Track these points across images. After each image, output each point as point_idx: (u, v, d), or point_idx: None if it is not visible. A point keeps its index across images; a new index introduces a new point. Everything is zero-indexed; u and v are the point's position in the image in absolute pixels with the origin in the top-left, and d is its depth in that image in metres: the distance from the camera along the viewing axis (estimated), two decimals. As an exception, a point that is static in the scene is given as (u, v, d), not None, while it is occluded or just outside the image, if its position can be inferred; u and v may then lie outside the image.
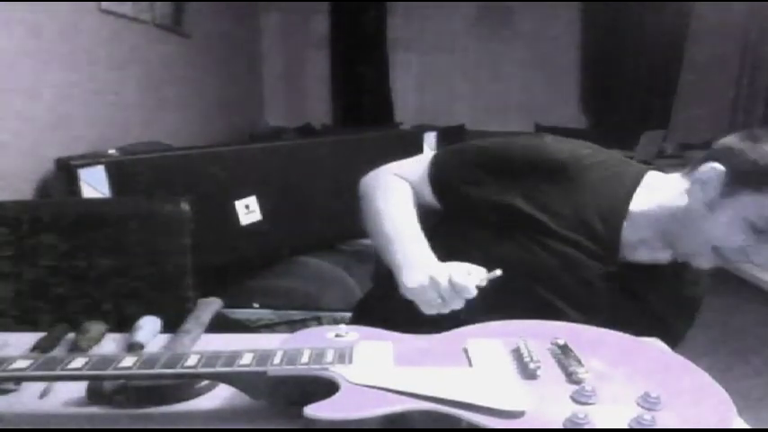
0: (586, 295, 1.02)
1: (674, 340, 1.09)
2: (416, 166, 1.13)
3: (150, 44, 2.99)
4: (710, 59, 4.80)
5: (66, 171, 1.94)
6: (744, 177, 0.91)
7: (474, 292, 0.88)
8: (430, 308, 0.91)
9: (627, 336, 0.87)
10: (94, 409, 0.77)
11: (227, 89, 4.16)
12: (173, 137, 2.96)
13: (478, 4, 5.04)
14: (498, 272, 0.90)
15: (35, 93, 2.07)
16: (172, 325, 1.02)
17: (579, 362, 0.73)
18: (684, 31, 4.88)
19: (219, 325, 1.10)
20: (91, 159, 2.00)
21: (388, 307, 1.03)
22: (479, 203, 1.05)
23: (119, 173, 2.00)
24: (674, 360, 0.81)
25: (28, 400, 0.79)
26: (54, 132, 2.16)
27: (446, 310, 0.90)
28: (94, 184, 1.95)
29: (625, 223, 1.02)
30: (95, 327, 0.99)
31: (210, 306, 1.12)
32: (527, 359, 0.73)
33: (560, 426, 0.62)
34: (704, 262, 0.97)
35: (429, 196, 1.12)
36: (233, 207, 2.28)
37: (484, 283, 0.90)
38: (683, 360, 0.80)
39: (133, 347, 0.94)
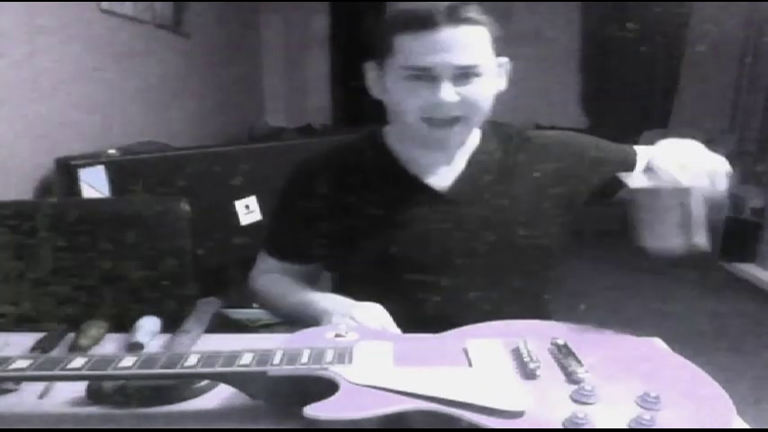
0: (462, 238, 1.05)
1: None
2: (267, 260, 1.18)
3: (150, 44, 2.99)
4: (710, 59, 4.80)
5: (67, 171, 1.94)
6: (378, 54, 1.03)
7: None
8: None
9: (626, 335, 0.88)
10: (94, 409, 0.77)
11: (227, 89, 4.15)
12: (173, 137, 2.96)
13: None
14: None
15: (35, 93, 2.07)
16: (172, 325, 1.02)
17: (579, 362, 0.73)
18: (684, 30, 4.87)
19: (219, 325, 1.11)
20: (91, 159, 2.00)
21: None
22: (332, 247, 1.09)
23: (119, 173, 2.00)
24: (673, 359, 0.81)
25: (28, 400, 0.79)
26: (54, 132, 2.16)
27: None
28: (94, 184, 1.95)
29: (409, 166, 1.07)
30: (95, 327, 0.99)
31: (210, 306, 1.12)
32: (527, 359, 0.73)
33: (560, 426, 0.62)
34: (438, 134, 1.01)
35: (303, 270, 1.15)
36: (233, 207, 2.28)
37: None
38: (683, 360, 0.80)
39: (133, 347, 0.94)
